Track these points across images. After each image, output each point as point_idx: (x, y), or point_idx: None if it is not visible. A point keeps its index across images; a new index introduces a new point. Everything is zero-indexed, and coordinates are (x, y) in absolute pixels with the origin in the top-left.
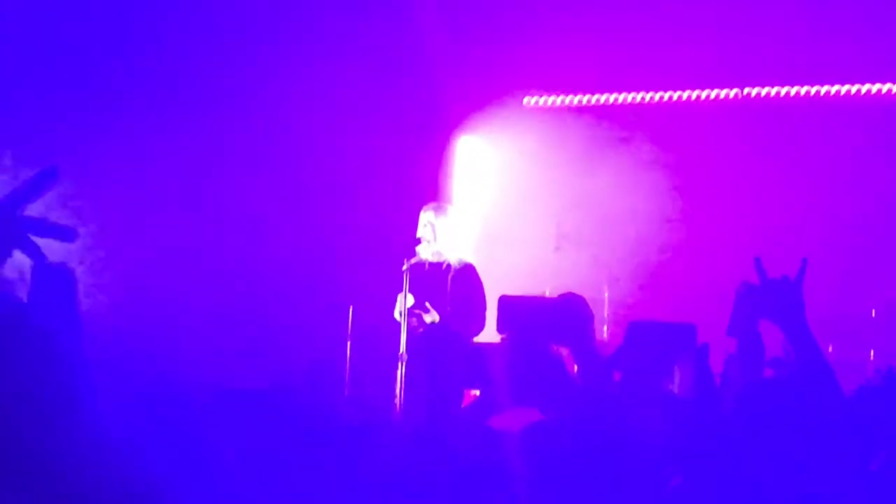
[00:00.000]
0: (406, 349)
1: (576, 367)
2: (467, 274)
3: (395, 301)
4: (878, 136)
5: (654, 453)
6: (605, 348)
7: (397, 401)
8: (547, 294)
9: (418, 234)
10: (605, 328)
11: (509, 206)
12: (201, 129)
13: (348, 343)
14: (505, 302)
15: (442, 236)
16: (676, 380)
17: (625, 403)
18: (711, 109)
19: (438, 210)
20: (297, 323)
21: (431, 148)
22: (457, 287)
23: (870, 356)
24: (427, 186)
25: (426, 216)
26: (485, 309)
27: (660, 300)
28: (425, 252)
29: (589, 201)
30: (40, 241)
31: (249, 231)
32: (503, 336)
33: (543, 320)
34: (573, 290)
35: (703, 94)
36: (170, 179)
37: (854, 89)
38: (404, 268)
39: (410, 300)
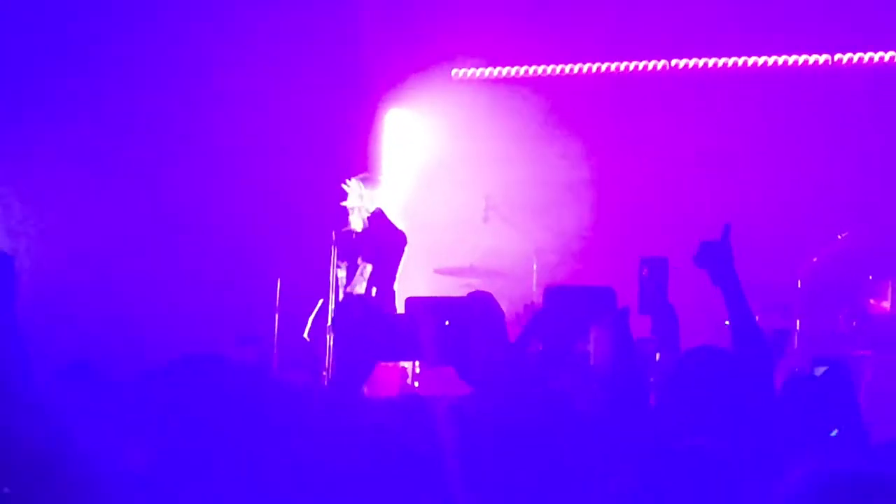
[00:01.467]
0: (334, 320)
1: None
2: (376, 219)
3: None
4: (801, 106)
5: (575, 422)
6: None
7: (326, 373)
8: (475, 265)
9: (346, 204)
10: (534, 298)
11: (438, 177)
12: (127, 106)
13: (276, 315)
14: (412, 303)
15: (370, 206)
16: (592, 342)
17: (544, 373)
18: (638, 81)
19: (366, 180)
20: (227, 296)
21: (360, 120)
22: (371, 234)
23: (795, 326)
24: (356, 158)
25: (354, 186)
26: (403, 237)
27: (588, 270)
28: (355, 222)
29: (517, 172)
30: None
31: (178, 205)
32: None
33: (453, 322)
34: (502, 261)
35: (631, 66)
36: (101, 159)
37: (776, 60)
38: (333, 237)
39: (342, 271)
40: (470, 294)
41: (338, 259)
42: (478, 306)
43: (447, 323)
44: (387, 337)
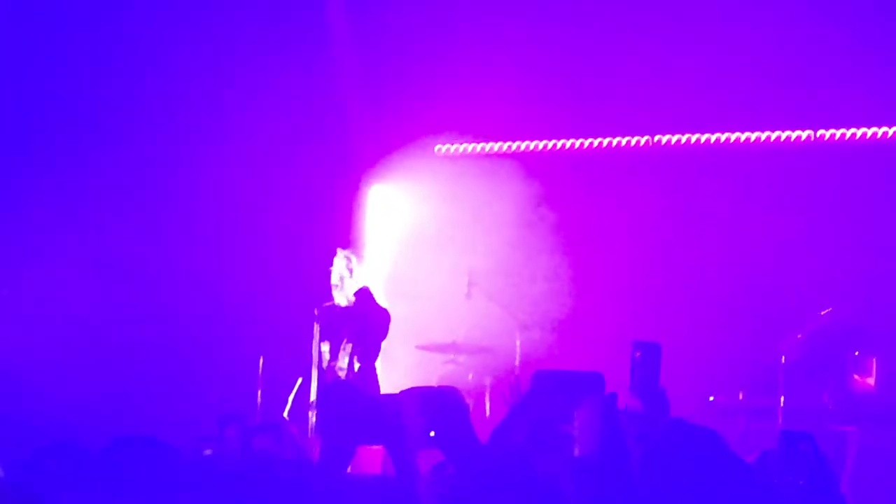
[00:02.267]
0: (317, 397)
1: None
2: (362, 297)
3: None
4: (785, 183)
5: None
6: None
7: (307, 445)
8: (457, 341)
9: (331, 281)
10: (517, 376)
11: (421, 253)
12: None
13: (258, 392)
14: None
15: (354, 282)
16: (577, 426)
17: (528, 456)
18: (623, 157)
19: (349, 257)
20: (210, 373)
21: (343, 195)
22: (356, 312)
23: (780, 402)
24: (339, 234)
25: (339, 263)
26: (387, 317)
27: (571, 348)
28: (339, 298)
29: (500, 248)
30: None
31: (159, 276)
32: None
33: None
34: (485, 337)
35: (614, 142)
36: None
37: (759, 136)
38: (315, 313)
39: (325, 347)
40: (437, 388)
41: (321, 335)
42: (444, 399)
43: (432, 434)
44: (369, 421)
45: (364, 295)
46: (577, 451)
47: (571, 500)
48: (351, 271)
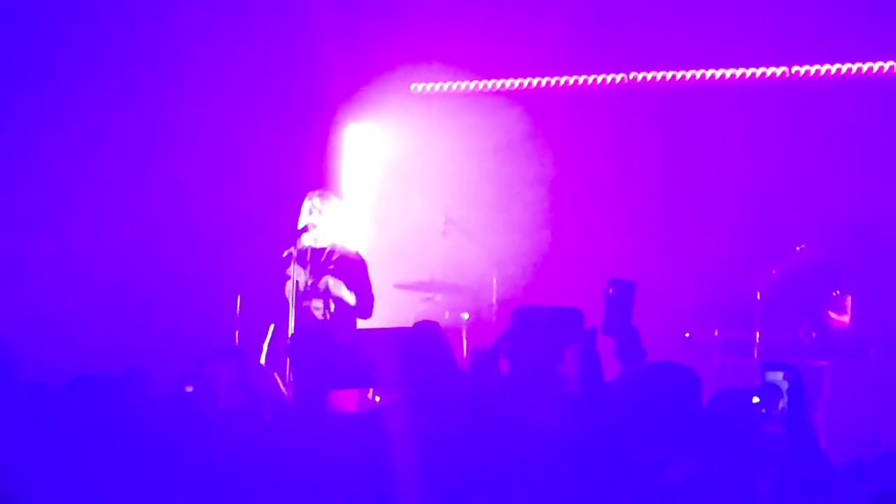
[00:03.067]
0: (292, 336)
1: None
2: (352, 261)
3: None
4: (761, 118)
5: (545, 441)
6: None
7: (284, 389)
8: (434, 279)
9: (301, 221)
10: (494, 313)
11: (397, 192)
12: (86, 121)
13: (236, 332)
14: (363, 335)
15: (324, 223)
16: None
17: (513, 393)
18: (597, 94)
19: (321, 197)
20: (186, 313)
21: (318, 135)
22: (346, 276)
23: (755, 337)
24: (314, 174)
25: (309, 203)
26: (372, 301)
27: (546, 284)
28: (308, 239)
29: (476, 186)
30: None
31: (135, 222)
32: None
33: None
34: (462, 275)
35: (590, 79)
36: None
37: (732, 73)
38: (284, 254)
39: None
40: (416, 324)
41: (296, 275)
42: (423, 336)
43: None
44: (343, 365)
45: (356, 261)
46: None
47: (552, 435)
48: (321, 212)
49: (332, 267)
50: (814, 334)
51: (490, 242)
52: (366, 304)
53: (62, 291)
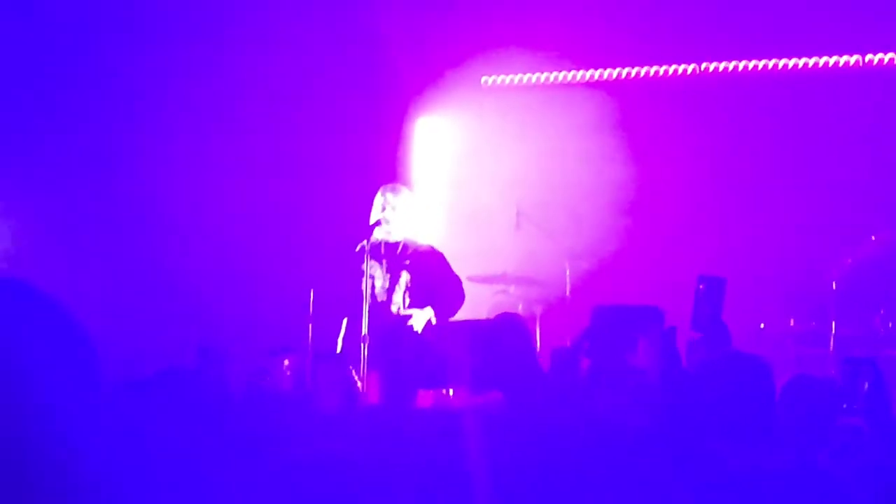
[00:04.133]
0: (368, 331)
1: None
2: (428, 255)
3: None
4: (836, 107)
5: (626, 437)
6: (569, 327)
7: (360, 384)
8: (507, 272)
9: (373, 216)
10: (568, 306)
11: (469, 186)
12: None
13: (310, 326)
14: (445, 329)
15: (397, 217)
16: (641, 355)
17: (593, 390)
18: (672, 85)
19: (393, 191)
20: (260, 306)
21: (390, 129)
22: (422, 270)
23: (831, 328)
24: (386, 168)
25: (381, 198)
26: (457, 278)
27: (620, 277)
28: (381, 233)
29: (549, 180)
30: None
31: (212, 217)
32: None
33: (483, 343)
34: (535, 268)
35: (663, 70)
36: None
37: (807, 62)
38: (357, 249)
39: (381, 279)
40: (498, 316)
41: (371, 271)
42: (506, 329)
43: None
44: (424, 364)
45: (434, 254)
46: (639, 384)
47: (631, 431)
48: (394, 207)
49: (407, 262)
50: (891, 324)
51: (563, 235)
52: (455, 293)
53: (136, 288)
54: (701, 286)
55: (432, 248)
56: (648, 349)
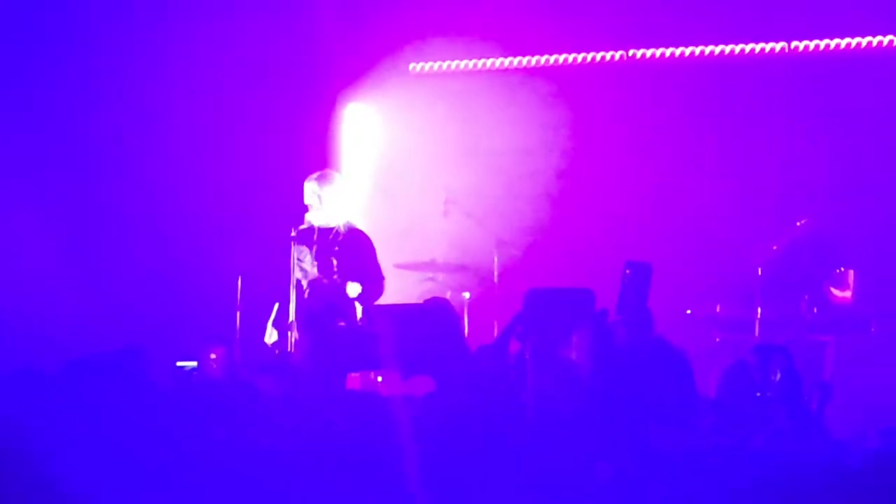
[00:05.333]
0: (296, 317)
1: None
2: (359, 240)
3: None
4: (763, 95)
5: (557, 421)
6: (497, 313)
7: (288, 368)
8: (435, 259)
9: (305, 202)
10: (496, 292)
11: (397, 172)
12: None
13: (237, 313)
14: (374, 312)
15: (327, 204)
16: (574, 348)
17: (522, 374)
18: (598, 72)
19: (323, 178)
20: (188, 295)
21: (319, 116)
22: (350, 253)
23: (757, 314)
24: (315, 155)
25: (311, 184)
26: (380, 272)
27: (548, 265)
28: (313, 218)
29: (477, 167)
30: None
31: (135, 204)
32: None
33: (413, 327)
34: (463, 255)
35: (590, 57)
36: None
37: (735, 49)
38: (293, 234)
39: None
40: (427, 301)
41: (298, 255)
42: (435, 313)
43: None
44: (353, 347)
45: (358, 236)
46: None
47: (561, 413)
48: (321, 195)
49: (337, 248)
50: (815, 310)
51: (491, 222)
52: (375, 285)
53: (57, 276)
54: (628, 271)
55: (362, 235)
56: (582, 335)
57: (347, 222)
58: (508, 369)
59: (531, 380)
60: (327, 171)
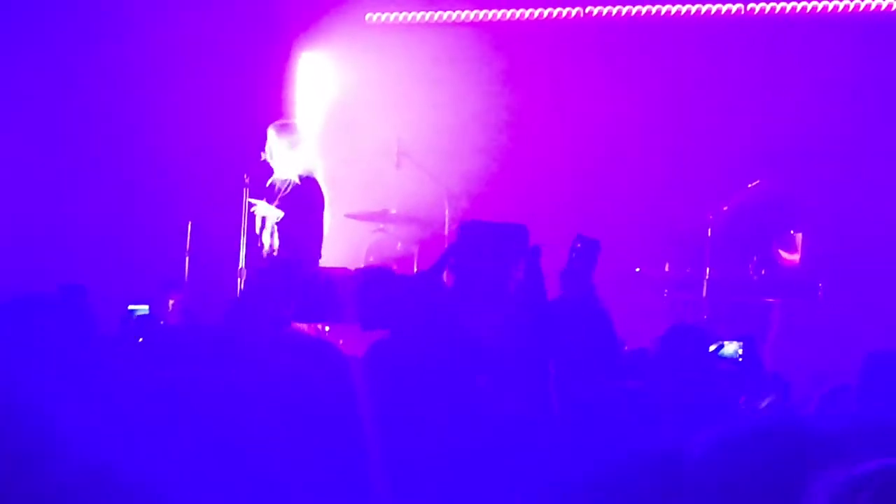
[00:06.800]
0: (246, 265)
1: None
2: (309, 199)
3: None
4: (718, 54)
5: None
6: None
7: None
8: (386, 210)
9: (264, 155)
10: (447, 244)
11: (351, 122)
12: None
13: (186, 258)
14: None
15: (278, 156)
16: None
17: (457, 305)
18: (557, 30)
19: (277, 129)
20: (142, 239)
21: (272, 65)
22: (298, 210)
23: (705, 274)
24: (269, 103)
25: (269, 134)
26: (319, 240)
27: (499, 216)
28: (266, 170)
29: (430, 120)
30: None
31: (88, 149)
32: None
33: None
34: (415, 206)
35: (546, 13)
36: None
37: (690, 9)
38: (245, 180)
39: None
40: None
41: (250, 203)
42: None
43: None
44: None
45: (306, 185)
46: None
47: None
48: (276, 145)
49: (281, 200)
50: (763, 272)
51: (443, 174)
52: (311, 243)
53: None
54: (578, 245)
55: (312, 188)
56: (509, 266)
57: (292, 179)
58: (441, 300)
59: (463, 311)
60: (286, 121)
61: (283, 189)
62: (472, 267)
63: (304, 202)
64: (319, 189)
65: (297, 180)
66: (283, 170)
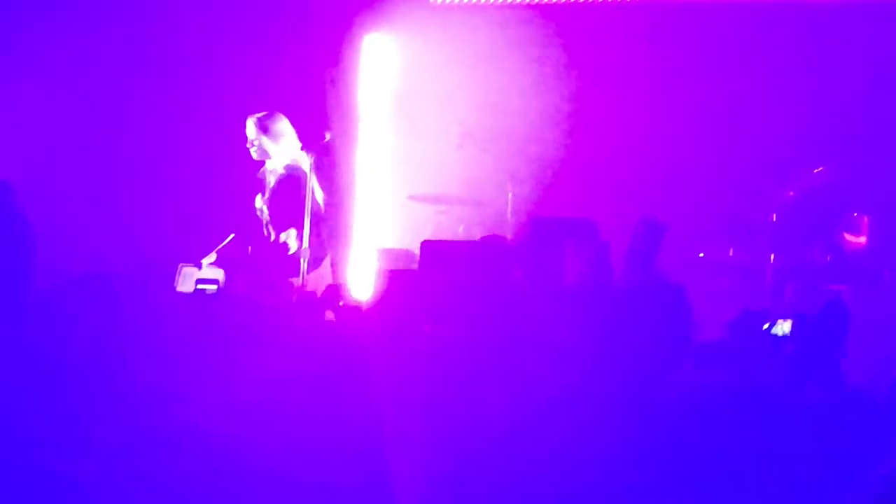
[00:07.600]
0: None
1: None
2: (295, 193)
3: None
4: (784, 41)
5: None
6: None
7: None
8: (449, 192)
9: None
10: (510, 227)
11: (414, 104)
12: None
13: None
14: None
15: (269, 147)
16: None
17: (524, 299)
18: (626, 16)
19: (259, 122)
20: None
21: (335, 46)
22: (282, 200)
23: (769, 259)
24: (334, 87)
25: (249, 125)
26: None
27: (563, 201)
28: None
29: (495, 103)
30: None
31: (125, 137)
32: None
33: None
34: (477, 189)
35: None
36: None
37: None
38: (259, 174)
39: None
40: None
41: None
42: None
43: None
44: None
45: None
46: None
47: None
48: (264, 133)
49: (270, 193)
50: (829, 257)
51: (507, 157)
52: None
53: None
54: (641, 227)
55: (301, 182)
56: (578, 262)
57: (289, 163)
58: (510, 292)
59: (530, 306)
60: (274, 113)
61: (272, 180)
62: (541, 262)
63: (290, 193)
64: (303, 181)
65: (283, 171)
66: (269, 161)
